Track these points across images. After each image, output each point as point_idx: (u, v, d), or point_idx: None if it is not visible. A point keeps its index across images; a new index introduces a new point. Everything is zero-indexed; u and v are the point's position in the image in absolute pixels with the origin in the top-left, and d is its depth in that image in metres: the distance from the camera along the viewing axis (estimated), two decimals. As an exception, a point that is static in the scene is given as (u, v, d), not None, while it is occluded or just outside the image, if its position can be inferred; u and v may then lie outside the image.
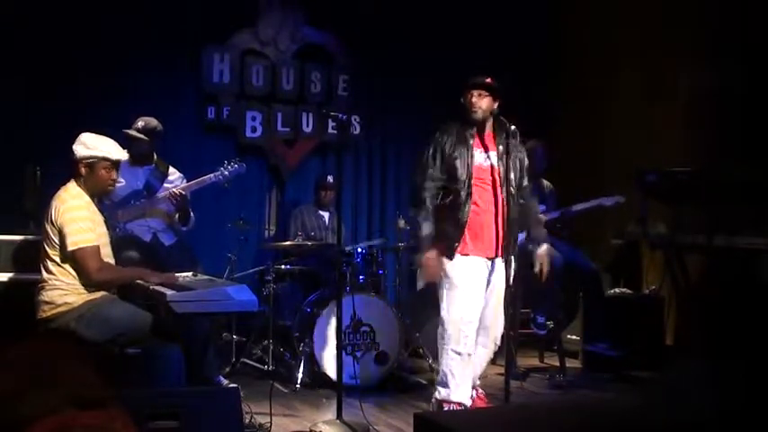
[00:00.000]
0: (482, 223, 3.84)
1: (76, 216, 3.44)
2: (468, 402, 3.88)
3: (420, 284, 5.46)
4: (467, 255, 3.81)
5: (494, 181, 3.87)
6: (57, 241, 3.43)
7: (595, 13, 6.55)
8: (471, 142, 3.87)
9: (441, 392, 3.82)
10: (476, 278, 3.82)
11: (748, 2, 5.15)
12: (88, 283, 3.43)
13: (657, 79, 5.88)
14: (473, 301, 3.81)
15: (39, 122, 5.19)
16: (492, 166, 3.90)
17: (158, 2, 5.66)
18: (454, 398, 3.78)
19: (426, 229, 3.82)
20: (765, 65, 5.02)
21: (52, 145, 4.86)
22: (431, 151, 3.89)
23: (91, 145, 3.59)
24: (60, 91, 5.29)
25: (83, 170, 3.57)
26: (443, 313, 3.83)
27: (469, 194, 3.82)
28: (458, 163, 3.82)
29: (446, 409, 3.77)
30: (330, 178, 5.80)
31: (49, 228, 3.45)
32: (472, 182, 3.83)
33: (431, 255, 3.82)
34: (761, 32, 5.02)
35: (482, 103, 3.88)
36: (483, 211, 3.85)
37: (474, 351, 3.86)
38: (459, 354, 3.77)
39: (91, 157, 3.57)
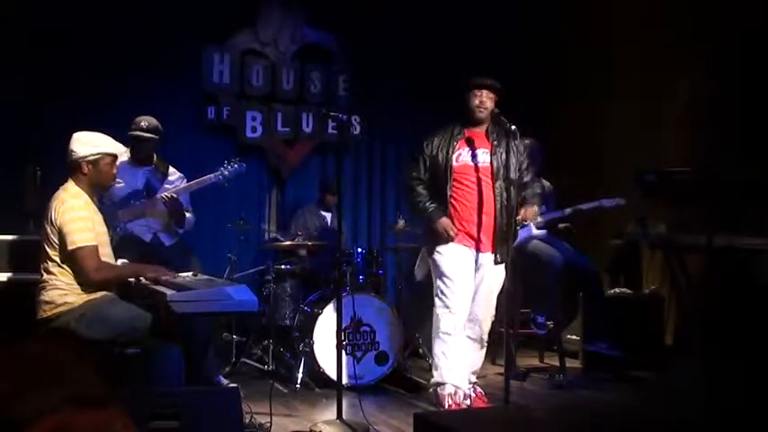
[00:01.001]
0: (463, 217, 4.00)
1: (76, 216, 3.44)
2: (464, 385, 3.96)
3: (419, 276, 5.47)
4: (450, 243, 3.99)
5: (479, 179, 4.00)
6: (56, 241, 3.43)
7: (596, 12, 6.55)
8: (456, 142, 4.02)
9: (435, 376, 3.97)
10: (462, 264, 3.98)
11: (748, 2, 5.15)
12: (86, 282, 3.43)
13: (657, 79, 5.88)
14: (461, 285, 3.96)
15: (39, 122, 5.19)
16: (478, 165, 4.02)
17: (158, 2, 5.66)
18: (448, 378, 3.91)
19: (431, 208, 4.03)
20: (765, 65, 5.02)
21: (52, 145, 4.84)
22: (415, 154, 4.15)
23: (92, 142, 3.58)
24: (60, 91, 5.29)
25: (86, 168, 3.55)
26: (436, 299, 4.00)
27: (449, 190, 4.00)
28: (439, 161, 4.02)
29: (442, 390, 3.88)
30: None
31: (48, 228, 3.45)
32: (452, 179, 4.01)
33: (443, 219, 3.98)
34: (761, 32, 5.02)
35: (489, 103, 3.97)
36: (465, 206, 4.00)
37: (464, 338, 4.02)
38: (449, 334, 3.92)
39: (94, 154, 3.56)
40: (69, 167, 3.58)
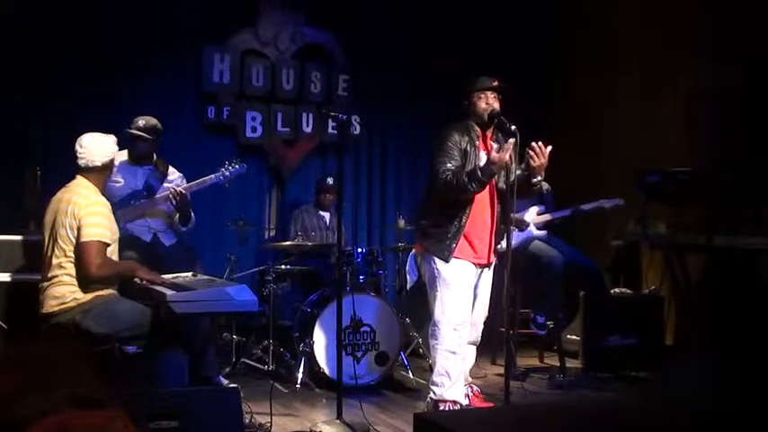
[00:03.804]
0: (477, 230, 3.86)
1: (98, 211, 3.53)
2: (464, 400, 3.91)
3: (410, 283, 5.47)
4: (460, 258, 3.83)
5: (489, 186, 3.85)
6: (74, 236, 3.46)
7: (595, 13, 6.55)
8: (477, 143, 3.87)
9: (436, 392, 3.84)
10: (468, 280, 3.87)
11: (749, 2, 5.15)
12: (86, 275, 3.46)
13: (657, 79, 5.88)
14: (466, 301, 3.86)
15: (39, 122, 5.19)
16: None
17: (158, 2, 5.66)
18: (449, 396, 3.81)
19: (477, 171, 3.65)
20: (765, 65, 5.02)
21: (52, 145, 4.87)
22: (450, 142, 3.78)
23: (111, 139, 3.73)
24: (60, 91, 5.29)
25: (112, 165, 3.75)
26: (437, 314, 3.85)
27: (472, 198, 3.81)
28: (467, 165, 3.78)
29: (442, 408, 3.80)
30: (330, 180, 5.76)
31: (67, 222, 3.47)
32: None
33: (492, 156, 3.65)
34: (761, 32, 5.02)
35: (496, 104, 3.89)
36: (479, 217, 3.86)
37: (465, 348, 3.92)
38: (453, 353, 3.82)
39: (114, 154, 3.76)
40: (91, 168, 3.64)
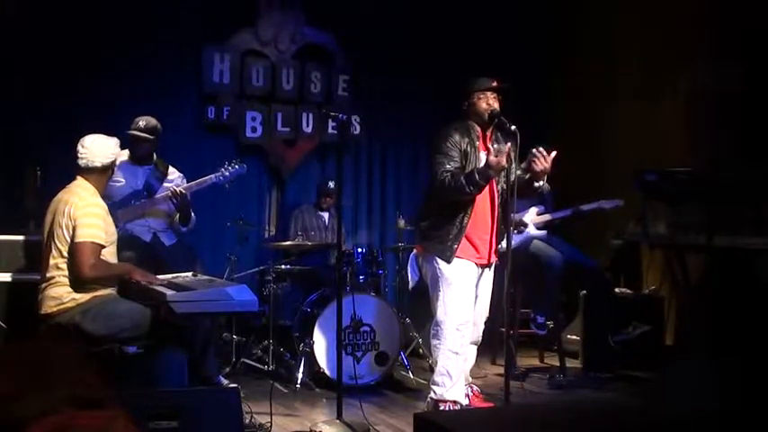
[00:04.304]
0: (479, 230, 3.86)
1: (93, 212, 3.52)
2: (465, 400, 3.91)
3: (411, 283, 5.47)
4: (462, 258, 3.83)
5: (490, 186, 3.85)
6: (70, 236, 3.46)
7: (595, 13, 6.55)
8: (478, 144, 3.87)
9: (436, 392, 3.84)
10: (470, 280, 3.87)
11: (749, 2, 5.15)
12: (79, 275, 3.45)
13: (657, 79, 5.88)
14: (468, 301, 3.86)
15: (39, 122, 5.19)
16: None
17: (158, 2, 5.66)
18: (450, 396, 3.81)
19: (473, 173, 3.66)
20: (765, 65, 5.02)
21: (52, 145, 4.87)
22: (449, 143, 3.78)
23: (113, 140, 3.73)
24: (60, 91, 5.29)
25: (113, 167, 3.75)
26: (440, 314, 3.85)
27: (473, 199, 3.81)
28: (467, 166, 3.78)
29: (442, 407, 3.80)
30: (331, 184, 5.75)
31: (64, 222, 3.47)
32: None
33: (490, 159, 3.64)
34: (761, 32, 5.02)
35: (496, 104, 3.88)
36: (480, 217, 3.86)
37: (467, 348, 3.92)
38: (456, 353, 3.82)
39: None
40: (92, 169, 3.64)
